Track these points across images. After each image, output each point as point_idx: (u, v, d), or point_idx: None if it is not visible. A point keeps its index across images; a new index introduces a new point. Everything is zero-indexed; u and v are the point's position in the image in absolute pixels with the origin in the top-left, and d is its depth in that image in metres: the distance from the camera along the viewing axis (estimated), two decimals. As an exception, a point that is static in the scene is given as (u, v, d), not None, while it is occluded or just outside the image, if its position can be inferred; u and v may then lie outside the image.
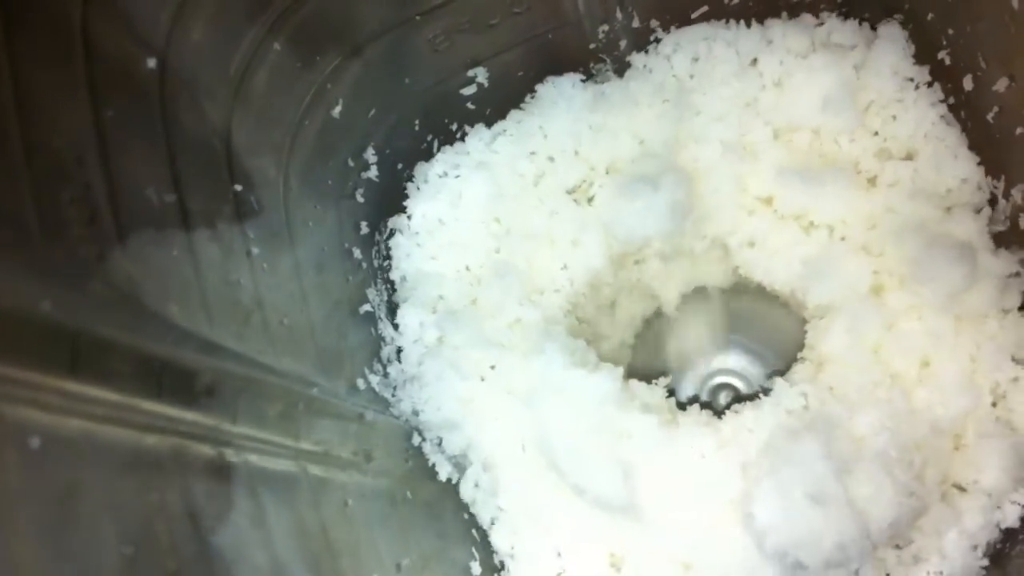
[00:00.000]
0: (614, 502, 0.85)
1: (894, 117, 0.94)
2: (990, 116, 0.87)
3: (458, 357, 0.91)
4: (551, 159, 0.97)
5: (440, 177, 0.97)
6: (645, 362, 1.04)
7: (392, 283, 0.97)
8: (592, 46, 0.97)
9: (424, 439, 0.92)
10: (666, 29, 0.98)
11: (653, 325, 1.06)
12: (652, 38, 0.99)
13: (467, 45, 0.91)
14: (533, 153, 0.97)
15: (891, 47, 0.94)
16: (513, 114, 0.99)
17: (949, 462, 0.86)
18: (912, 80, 0.94)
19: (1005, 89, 0.85)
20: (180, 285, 0.62)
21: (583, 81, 0.99)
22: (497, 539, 0.92)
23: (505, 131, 0.98)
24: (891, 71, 0.93)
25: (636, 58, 0.99)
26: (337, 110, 0.84)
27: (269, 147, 0.78)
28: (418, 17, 0.86)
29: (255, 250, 0.72)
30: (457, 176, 0.97)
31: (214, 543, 0.56)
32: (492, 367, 0.92)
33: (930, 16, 0.90)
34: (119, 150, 0.59)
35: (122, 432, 0.51)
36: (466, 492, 0.92)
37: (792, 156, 0.95)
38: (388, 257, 0.97)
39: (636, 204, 0.94)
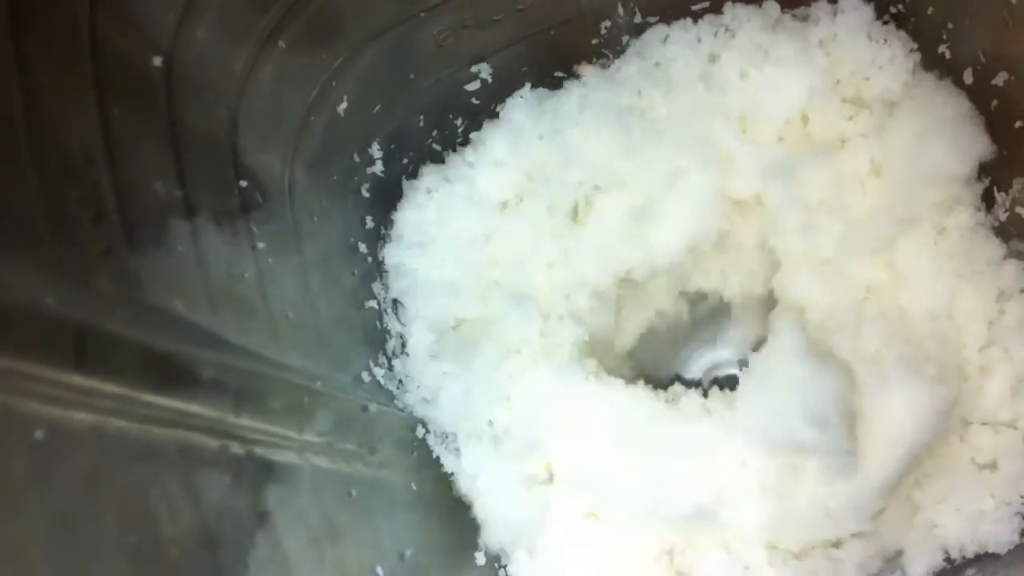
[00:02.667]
0: (680, 512, 0.86)
1: (867, 79, 0.93)
2: (990, 110, 0.88)
3: (476, 383, 0.92)
4: (530, 179, 0.97)
5: (428, 193, 0.97)
6: (653, 369, 1.05)
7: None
8: (595, 41, 0.97)
9: (428, 431, 0.93)
10: (668, 24, 0.98)
11: (654, 333, 1.06)
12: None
13: (471, 41, 0.92)
14: (504, 169, 0.97)
15: (857, 16, 0.93)
16: (482, 133, 0.99)
17: (958, 336, 0.88)
18: (884, 41, 0.93)
19: (1004, 83, 0.85)
20: (185, 280, 0.63)
21: (549, 92, 0.99)
22: None
23: (481, 151, 0.98)
24: (865, 39, 0.93)
25: (594, 80, 0.99)
26: (342, 107, 0.85)
27: (275, 143, 0.79)
28: (422, 14, 0.86)
29: (260, 245, 0.73)
30: (441, 192, 0.97)
31: (218, 533, 0.58)
32: (511, 395, 0.92)
33: (930, 10, 0.90)
34: (126, 148, 0.60)
35: (127, 425, 0.53)
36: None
37: (770, 149, 0.95)
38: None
39: (621, 228, 0.95)
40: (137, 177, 0.61)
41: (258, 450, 0.64)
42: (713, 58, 0.96)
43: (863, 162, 0.92)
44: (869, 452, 0.84)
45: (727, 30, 0.96)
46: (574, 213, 0.97)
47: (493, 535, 0.93)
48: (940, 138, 0.88)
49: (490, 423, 0.93)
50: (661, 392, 0.94)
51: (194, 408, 0.59)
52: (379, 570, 0.75)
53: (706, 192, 0.94)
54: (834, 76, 0.94)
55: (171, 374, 0.58)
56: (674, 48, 0.96)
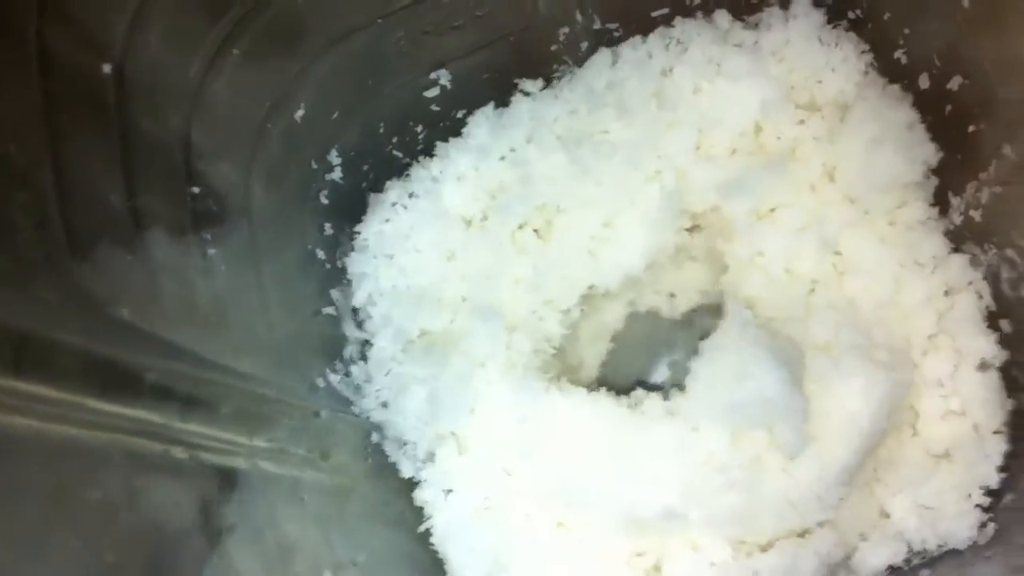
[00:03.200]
0: (650, 514, 0.86)
1: (819, 82, 0.95)
2: (945, 114, 0.89)
3: (442, 393, 0.93)
4: (493, 197, 0.98)
5: (392, 206, 0.98)
6: (616, 378, 1.06)
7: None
8: (553, 48, 0.97)
9: (385, 437, 0.93)
10: (627, 30, 0.99)
11: (616, 344, 1.07)
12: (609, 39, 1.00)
13: (430, 48, 0.92)
14: (468, 186, 0.98)
15: (808, 20, 0.95)
16: (447, 148, 1.00)
17: (905, 325, 0.90)
18: (836, 44, 0.94)
19: (958, 87, 0.86)
20: (132, 287, 0.63)
21: (508, 110, 1.00)
22: None
23: (445, 166, 0.99)
24: (817, 43, 0.94)
25: (546, 103, 1.00)
26: (300, 113, 0.85)
27: (230, 150, 0.78)
28: (380, 20, 0.87)
29: (212, 251, 0.73)
30: (405, 207, 0.98)
31: (161, 538, 0.58)
32: (476, 408, 0.93)
33: (887, 15, 0.91)
34: (73, 155, 0.60)
35: (67, 430, 0.52)
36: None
37: (724, 163, 0.96)
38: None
39: (583, 245, 0.96)
40: (84, 183, 0.61)
41: (204, 455, 0.64)
42: (666, 72, 0.97)
43: (816, 167, 0.93)
44: (827, 439, 0.85)
45: (678, 43, 0.97)
46: (538, 231, 0.98)
47: (461, 552, 0.93)
48: (891, 145, 0.90)
49: (453, 434, 0.93)
50: (624, 398, 0.94)
51: (137, 414, 0.58)
52: (328, 574, 0.75)
53: (662, 209, 0.95)
54: (787, 83, 0.95)
55: (114, 380, 0.58)
56: (625, 68, 0.98)
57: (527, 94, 0.99)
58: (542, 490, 0.90)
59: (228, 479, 0.67)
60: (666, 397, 0.93)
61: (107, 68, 0.64)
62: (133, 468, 0.57)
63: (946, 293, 0.90)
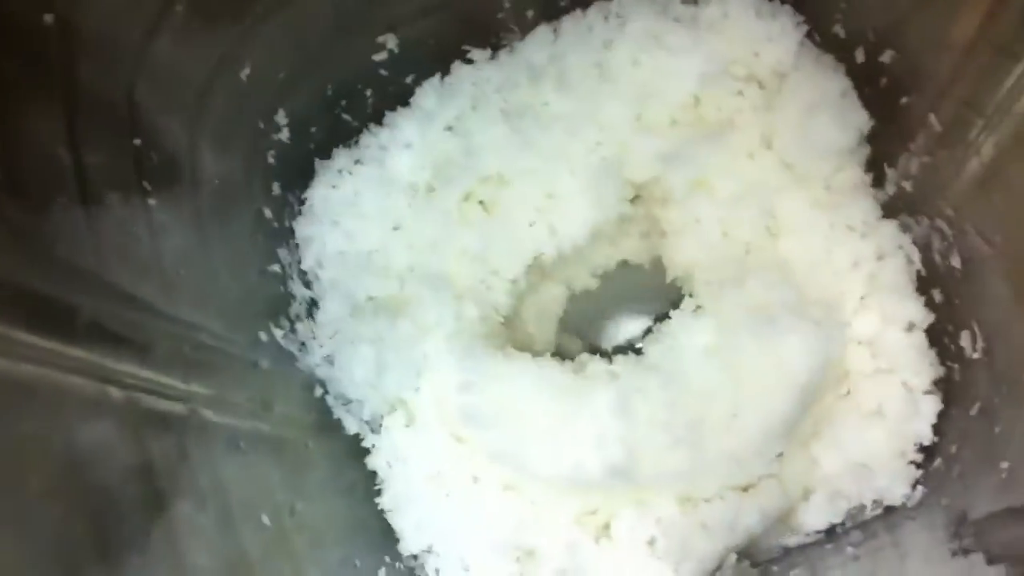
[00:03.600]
0: (596, 473, 0.88)
1: (757, 54, 0.96)
2: (880, 87, 0.91)
3: (390, 356, 0.94)
4: (439, 167, 0.99)
5: (339, 173, 1.00)
6: (562, 344, 1.08)
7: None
8: (500, 15, 0.98)
9: (327, 392, 0.95)
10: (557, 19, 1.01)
11: (562, 312, 1.09)
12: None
13: (378, 11, 0.93)
14: (415, 156, 0.99)
15: None
16: (395, 116, 1.01)
17: (837, 285, 0.92)
18: (772, 16, 0.96)
19: (891, 61, 0.88)
20: (70, 231, 0.63)
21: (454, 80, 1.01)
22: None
23: (393, 135, 1.00)
24: (755, 15, 0.96)
25: (490, 73, 1.01)
26: (245, 72, 0.85)
27: (176, 107, 0.78)
28: (328, -19, 0.87)
29: (157, 206, 0.73)
30: (351, 173, 0.99)
31: (92, 476, 0.58)
32: (424, 373, 0.95)
33: (825, -10, 0.93)
34: (14, 104, 0.60)
35: (-4, 361, 0.53)
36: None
37: (664, 133, 0.97)
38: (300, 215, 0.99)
39: (528, 216, 0.98)
40: (27, 135, 0.61)
41: (141, 397, 0.64)
42: (606, 45, 0.99)
43: (753, 135, 0.95)
44: (766, 394, 0.87)
45: (618, 16, 0.99)
46: (483, 203, 0.99)
47: (411, 518, 0.95)
48: (826, 112, 0.92)
49: (403, 402, 0.95)
50: (569, 363, 0.96)
51: (70, 351, 0.59)
52: (265, 519, 0.76)
53: (604, 179, 0.97)
54: (725, 56, 0.96)
55: (46, 314, 0.58)
56: (566, 41, 0.99)
57: (472, 63, 1.01)
58: (490, 454, 0.92)
59: (167, 424, 0.68)
60: (610, 360, 0.95)
61: (49, 18, 0.64)
62: (64, 404, 0.57)
63: (878, 257, 0.92)
